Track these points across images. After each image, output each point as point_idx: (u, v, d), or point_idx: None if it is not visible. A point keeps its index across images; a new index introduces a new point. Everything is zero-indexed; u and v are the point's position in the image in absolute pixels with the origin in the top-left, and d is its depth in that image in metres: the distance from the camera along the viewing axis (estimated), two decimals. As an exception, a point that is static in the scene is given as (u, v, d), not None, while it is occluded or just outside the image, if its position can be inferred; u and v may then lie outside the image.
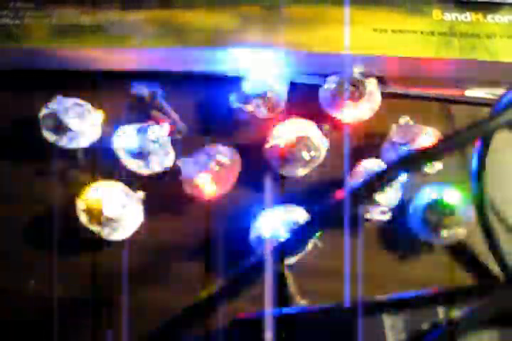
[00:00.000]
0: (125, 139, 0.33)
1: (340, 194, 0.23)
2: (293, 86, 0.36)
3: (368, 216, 0.34)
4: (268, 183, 0.35)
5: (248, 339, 0.24)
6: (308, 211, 0.33)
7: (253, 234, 0.33)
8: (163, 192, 0.35)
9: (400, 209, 0.34)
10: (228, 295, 0.25)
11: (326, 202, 0.26)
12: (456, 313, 0.23)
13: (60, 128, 0.34)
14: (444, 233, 0.33)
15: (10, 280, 0.34)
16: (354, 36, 0.35)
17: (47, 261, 0.34)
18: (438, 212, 0.33)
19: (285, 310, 0.25)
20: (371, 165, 0.33)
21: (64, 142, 0.34)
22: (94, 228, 0.32)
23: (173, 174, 0.34)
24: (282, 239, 0.27)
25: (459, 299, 0.24)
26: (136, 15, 0.35)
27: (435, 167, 0.34)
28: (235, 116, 0.36)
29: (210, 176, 0.33)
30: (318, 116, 0.36)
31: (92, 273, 0.33)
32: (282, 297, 0.29)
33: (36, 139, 0.34)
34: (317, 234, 0.32)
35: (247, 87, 0.35)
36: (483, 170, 0.33)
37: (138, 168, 0.34)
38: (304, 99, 0.36)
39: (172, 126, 0.35)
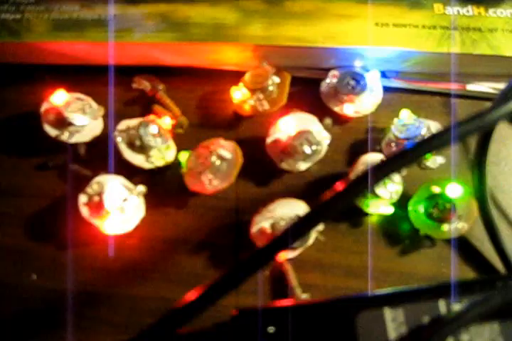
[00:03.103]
0: (127, 133, 0.33)
1: (340, 185, 0.23)
2: (294, 80, 0.36)
3: (369, 210, 0.34)
4: (269, 177, 0.35)
5: (248, 333, 0.24)
6: (309, 204, 0.33)
7: (254, 228, 0.33)
8: (164, 187, 0.35)
9: (402, 203, 0.34)
10: (229, 289, 0.25)
11: (327, 196, 0.26)
12: (457, 307, 0.23)
13: (62, 122, 0.34)
14: (446, 227, 0.33)
15: (11, 274, 0.34)
16: (356, 30, 0.35)
17: (48, 256, 0.34)
18: (440, 206, 0.33)
19: (286, 303, 0.25)
20: (372, 159, 0.33)
21: (65, 137, 0.34)
22: (96, 220, 0.32)
23: (174, 168, 0.34)
24: (283, 233, 0.27)
25: (460, 292, 0.24)
26: (136, 10, 0.35)
27: (437, 161, 0.34)
28: (237, 111, 0.36)
29: (212, 170, 0.33)
30: (319, 110, 0.36)
31: (92, 267, 0.34)
32: (283, 290, 0.29)
33: (38, 134, 0.34)
34: (319, 229, 0.32)
35: (249, 81, 0.35)
36: (485, 164, 0.34)
37: (139, 162, 0.34)
38: (305, 93, 0.36)
39: (173, 121, 0.35)
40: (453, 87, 0.37)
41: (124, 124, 0.34)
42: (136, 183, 0.33)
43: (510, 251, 0.33)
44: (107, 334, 0.32)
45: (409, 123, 0.34)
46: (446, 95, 0.37)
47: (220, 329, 0.24)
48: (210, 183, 0.33)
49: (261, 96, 0.35)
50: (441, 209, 0.33)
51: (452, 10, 0.36)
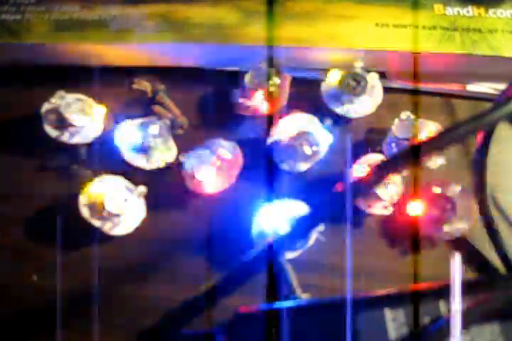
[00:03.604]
0: (127, 134, 0.34)
1: (340, 186, 0.23)
2: (295, 80, 0.36)
3: (369, 210, 0.34)
4: (269, 178, 0.35)
5: (249, 333, 0.24)
6: (309, 205, 0.33)
7: (254, 229, 0.33)
8: (165, 187, 0.35)
9: (401, 204, 0.34)
10: (229, 289, 0.25)
11: (327, 197, 0.26)
12: (458, 307, 0.23)
13: (62, 123, 0.34)
14: (446, 227, 0.33)
15: (11, 274, 0.34)
16: (356, 31, 0.35)
17: (49, 257, 0.34)
18: (439, 206, 0.33)
19: (286, 303, 0.25)
20: (373, 160, 0.33)
21: (66, 137, 0.34)
22: (96, 223, 0.32)
23: (175, 169, 0.34)
24: (283, 233, 0.27)
25: (461, 293, 0.24)
26: (136, 10, 0.35)
27: (437, 162, 0.34)
28: (237, 111, 0.36)
29: (212, 171, 0.33)
30: (320, 110, 0.36)
31: (93, 268, 0.33)
32: (283, 291, 0.29)
33: (38, 135, 0.34)
34: (319, 229, 0.32)
35: (249, 81, 0.35)
36: (485, 165, 0.33)
37: (140, 163, 0.34)
38: (305, 94, 0.36)
39: (174, 121, 0.35)
40: (453, 87, 0.37)
41: (124, 125, 0.34)
42: (136, 184, 0.33)
43: (510, 250, 0.33)
44: (107, 335, 0.32)
45: (410, 124, 0.34)
46: (446, 95, 0.37)
47: (222, 330, 0.24)
48: (211, 184, 0.33)
49: (261, 96, 0.35)
50: (440, 209, 0.33)
51: (452, 10, 0.36)
